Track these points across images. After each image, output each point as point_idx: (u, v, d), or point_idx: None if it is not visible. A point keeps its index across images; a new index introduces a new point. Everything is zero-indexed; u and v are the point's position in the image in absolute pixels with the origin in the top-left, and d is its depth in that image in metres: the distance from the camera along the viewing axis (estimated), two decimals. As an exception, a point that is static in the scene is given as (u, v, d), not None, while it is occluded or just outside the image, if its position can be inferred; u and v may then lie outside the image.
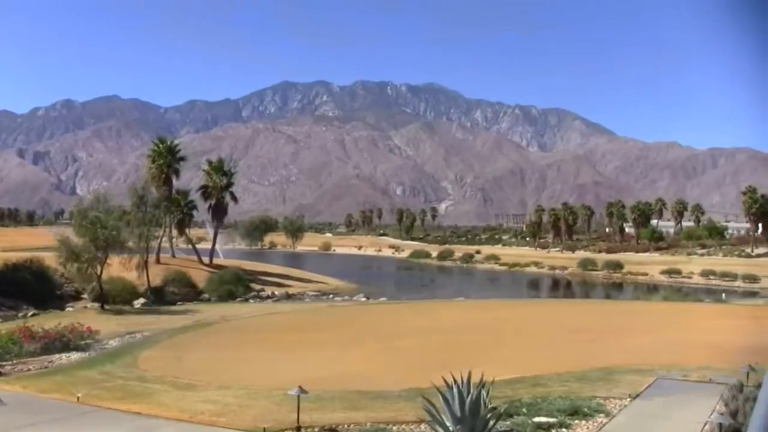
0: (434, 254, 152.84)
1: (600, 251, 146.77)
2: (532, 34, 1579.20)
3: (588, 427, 14.15)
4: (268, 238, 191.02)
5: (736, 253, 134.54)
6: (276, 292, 67.35)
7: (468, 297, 64.88)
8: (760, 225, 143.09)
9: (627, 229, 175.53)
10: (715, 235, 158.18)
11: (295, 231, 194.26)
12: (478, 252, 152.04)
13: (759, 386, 12.60)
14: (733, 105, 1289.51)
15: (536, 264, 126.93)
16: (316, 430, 14.40)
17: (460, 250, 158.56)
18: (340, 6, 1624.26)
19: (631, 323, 37.39)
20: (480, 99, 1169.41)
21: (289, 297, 65.74)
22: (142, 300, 52.39)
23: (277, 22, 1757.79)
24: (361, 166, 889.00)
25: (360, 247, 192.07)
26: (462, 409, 11.67)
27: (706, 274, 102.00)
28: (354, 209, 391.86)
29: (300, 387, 14.25)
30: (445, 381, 11.93)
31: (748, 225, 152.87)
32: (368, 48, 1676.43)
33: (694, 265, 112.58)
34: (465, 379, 11.92)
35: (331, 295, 68.31)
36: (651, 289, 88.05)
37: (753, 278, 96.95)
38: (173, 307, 51.02)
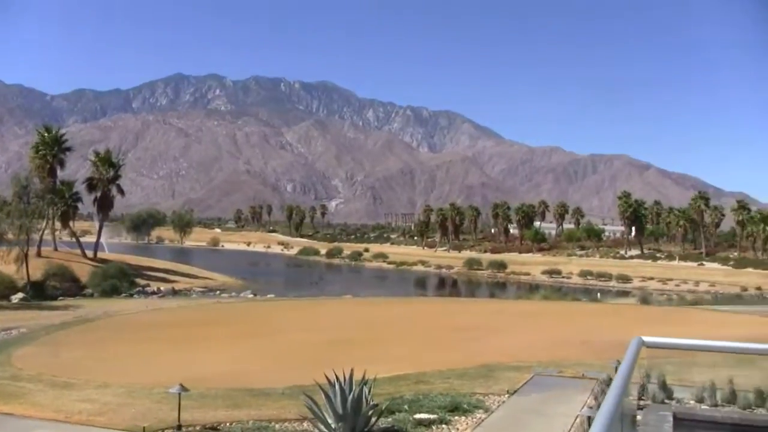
0: (323, 252, 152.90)
1: (485, 251, 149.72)
2: (425, 35, 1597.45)
3: (467, 423, 14.43)
4: (156, 233, 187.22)
5: (612, 254, 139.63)
6: (162, 288, 65.97)
7: (356, 295, 65.07)
8: (633, 228, 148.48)
9: (512, 230, 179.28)
10: (593, 237, 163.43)
11: (184, 226, 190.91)
12: (366, 250, 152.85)
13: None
14: (612, 113, 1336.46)
15: (423, 263, 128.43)
16: (197, 428, 14.11)
17: (349, 248, 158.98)
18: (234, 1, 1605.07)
19: (512, 321, 38.28)
20: (372, 99, 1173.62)
21: (175, 293, 64.47)
22: (20, 295, 50.27)
23: (170, 12, 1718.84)
24: (252, 161, 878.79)
25: (249, 244, 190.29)
26: (344, 407, 11.77)
27: (584, 274, 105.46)
28: (244, 205, 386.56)
29: (181, 385, 14.03)
30: (328, 378, 12.01)
31: (623, 228, 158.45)
32: (263, 44, 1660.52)
33: (573, 265, 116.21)
34: (347, 377, 12.03)
35: (218, 292, 67.49)
36: (533, 289, 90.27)
37: (626, 278, 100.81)
38: (54, 302, 49.26)
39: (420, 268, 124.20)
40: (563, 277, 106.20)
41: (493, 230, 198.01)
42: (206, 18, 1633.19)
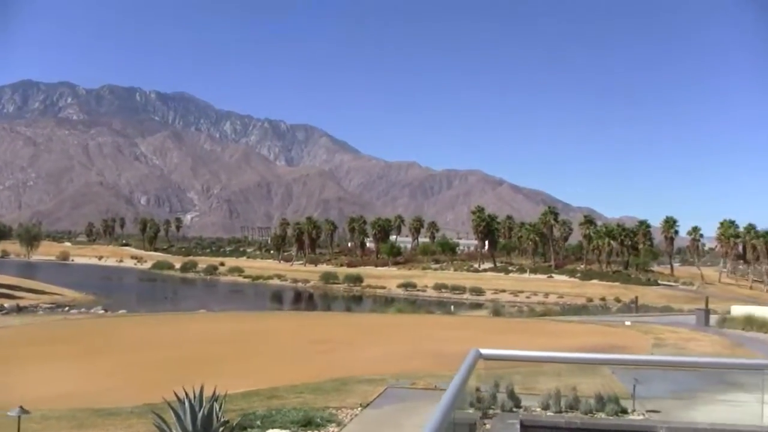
0: (177, 266, 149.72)
1: (342, 265, 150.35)
2: (282, 47, 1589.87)
3: (320, 437, 14.41)
4: (0, 246, 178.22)
5: (466, 267, 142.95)
6: (6, 305, 62.80)
7: (210, 309, 63.97)
8: (486, 242, 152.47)
9: (368, 244, 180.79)
10: (447, 251, 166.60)
11: (31, 239, 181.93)
12: (222, 264, 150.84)
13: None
14: (468, 130, 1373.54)
15: (280, 277, 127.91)
16: (38, 451, 13.51)
17: (204, 261, 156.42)
18: (88, 5, 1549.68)
19: (367, 334, 38.54)
20: (230, 111, 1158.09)
21: (20, 309, 61.47)
22: None
23: (18, 15, 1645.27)
24: (105, 173, 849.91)
25: (101, 258, 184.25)
26: (194, 424, 11.51)
27: (438, 287, 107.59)
28: (96, 218, 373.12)
29: (21, 407, 13.34)
30: (177, 396, 11.74)
31: (476, 242, 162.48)
32: (117, 52, 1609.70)
33: (428, 278, 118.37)
34: (197, 393, 11.79)
35: (66, 308, 64.83)
36: (388, 302, 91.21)
37: (479, 291, 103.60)
38: None
39: (276, 282, 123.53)
40: (418, 290, 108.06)
41: (349, 244, 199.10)
42: (58, 23, 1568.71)
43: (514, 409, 14.78)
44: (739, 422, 13.60)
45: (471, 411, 13.61)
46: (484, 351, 6.08)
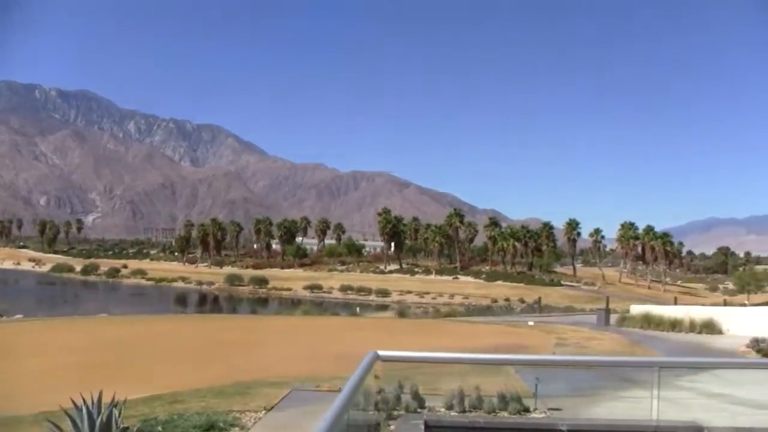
0: (78, 268, 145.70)
1: (247, 267, 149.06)
2: (187, 45, 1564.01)
3: (222, 441, 14.16)
4: None
5: (372, 269, 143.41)
6: None
7: (112, 313, 62.32)
8: (392, 244, 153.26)
9: (274, 246, 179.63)
10: (354, 253, 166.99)
11: None
12: (124, 266, 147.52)
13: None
14: (375, 132, 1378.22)
15: (184, 279, 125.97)
16: None
17: (106, 264, 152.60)
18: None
19: (271, 337, 38.19)
20: (134, 110, 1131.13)
21: None
22: None
23: None
24: (2, 172, 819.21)
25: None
26: (91, 431, 11.18)
27: (344, 289, 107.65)
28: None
29: None
30: (74, 403, 11.36)
31: (382, 243, 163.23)
32: (15, 47, 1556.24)
33: (334, 280, 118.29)
34: (95, 400, 11.44)
35: (-46, 313, 62.19)
36: (294, 304, 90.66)
37: (385, 293, 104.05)
38: None
39: (180, 284, 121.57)
40: (324, 292, 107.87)
41: (255, 246, 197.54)
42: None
43: (419, 410, 14.82)
44: (634, 417, 13.96)
45: (375, 413, 13.59)
46: (381, 353, 6.04)
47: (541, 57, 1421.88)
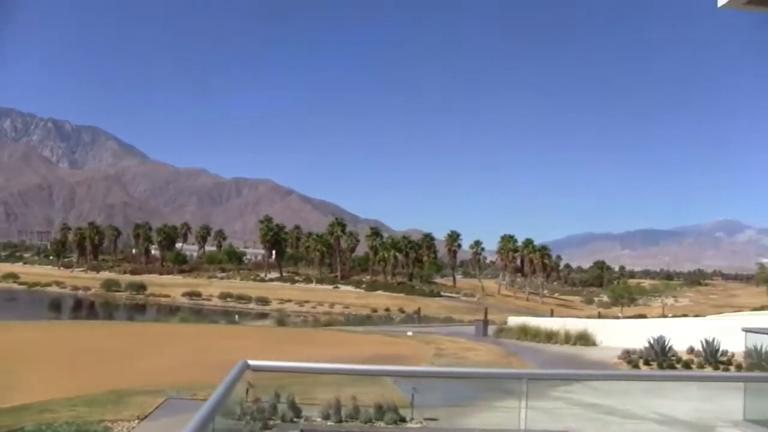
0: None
1: (125, 272, 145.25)
2: (66, 43, 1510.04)
3: (91, 452, 13.73)
4: None
5: (252, 277, 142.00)
6: None
7: (-24, 319, 59.51)
8: (273, 252, 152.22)
9: (153, 251, 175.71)
10: (234, 260, 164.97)
11: None
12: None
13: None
14: (258, 139, 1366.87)
15: (59, 284, 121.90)
16: None
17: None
18: None
19: (148, 344, 37.29)
20: (10, 107, 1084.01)
21: None
22: None
23: None
24: None
25: None
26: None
27: (224, 296, 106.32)
28: None
29: None
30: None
31: (263, 251, 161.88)
32: None
33: (214, 288, 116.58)
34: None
35: None
36: (173, 311, 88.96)
37: (265, 301, 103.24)
38: None
39: (55, 289, 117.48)
40: (204, 300, 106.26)
41: (134, 251, 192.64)
42: None
43: (295, 420, 14.74)
44: (506, 427, 14.27)
45: (251, 422, 13.44)
46: (251, 362, 5.94)
47: (424, 62, 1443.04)
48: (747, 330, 13.00)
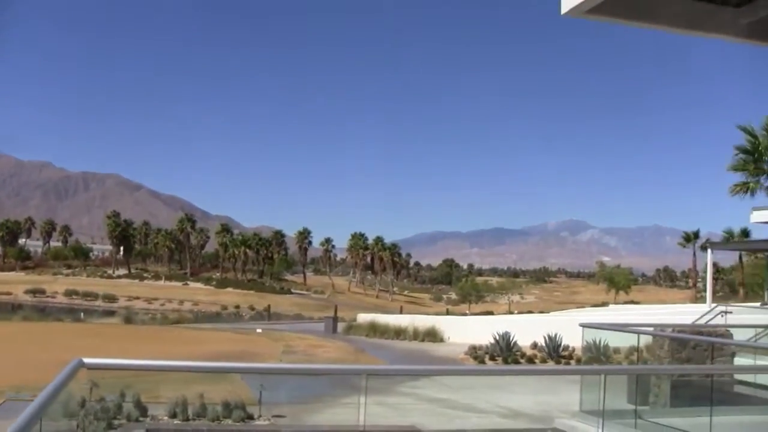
0: None
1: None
2: None
3: None
4: None
5: (99, 274, 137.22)
6: None
7: None
8: (122, 248, 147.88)
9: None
10: (80, 256, 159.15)
11: None
12: None
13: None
14: (105, 132, 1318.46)
15: None
16: None
17: None
18: None
19: (-14, 344, 35.48)
20: None
21: None
22: None
23: None
24: None
25: None
26: None
27: (69, 293, 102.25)
28: None
29: None
30: None
31: (111, 247, 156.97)
32: None
33: (59, 284, 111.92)
34: None
35: None
36: (15, 309, 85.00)
37: (112, 298, 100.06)
38: None
39: None
40: (48, 297, 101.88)
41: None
42: None
43: (141, 419, 14.47)
44: (350, 423, 14.48)
45: (94, 422, 13.09)
46: (87, 360, 5.79)
47: (278, 62, 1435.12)
48: (584, 325, 13.69)
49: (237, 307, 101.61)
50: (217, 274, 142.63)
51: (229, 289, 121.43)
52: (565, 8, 8.40)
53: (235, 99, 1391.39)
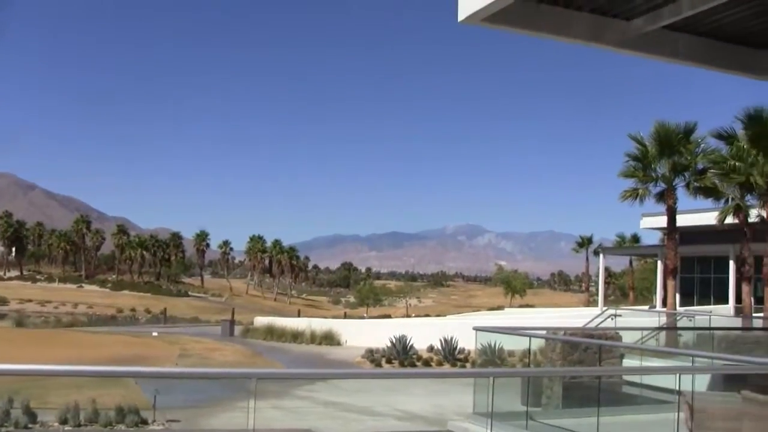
0: None
1: None
2: None
3: None
4: None
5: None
6: None
7: None
8: (14, 249, 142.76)
9: None
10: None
11: None
12: None
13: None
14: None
15: None
16: None
17: None
18: None
19: None
20: None
21: None
22: None
23: None
24: None
25: None
26: None
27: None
28: None
29: None
30: None
31: (2, 249, 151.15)
32: None
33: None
34: None
35: None
36: None
37: (3, 301, 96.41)
38: None
39: None
40: None
41: None
42: None
43: (30, 425, 13.96)
44: (240, 427, 14.28)
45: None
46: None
47: (174, 54, 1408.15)
48: (478, 329, 13.88)
49: (133, 310, 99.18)
50: (113, 277, 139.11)
51: (125, 292, 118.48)
52: (462, 15, 8.54)
53: (128, 94, 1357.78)
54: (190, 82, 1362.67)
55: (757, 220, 30.05)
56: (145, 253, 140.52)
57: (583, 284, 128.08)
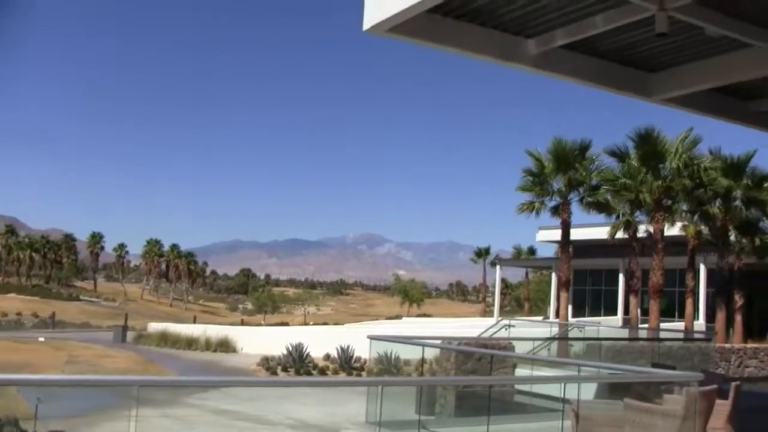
0: None
1: None
2: None
3: None
4: None
5: None
6: None
7: None
8: None
9: None
10: None
11: None
12: None
13: None
14: None
15: None
16: None
17: None
18: None
19: None
20: None
21: None
22: None
23: None
24: None
25: None
26: None
27: None
28: None
29: None
30: None
31: None
32: None
33: None
34: None
35: None
36: None
37: None
38: None
39: None
40: None
41: None
42: None
43: None
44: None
45: None
46: None
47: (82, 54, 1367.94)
48: (372, 337, 13.94)
49: (19, 314, 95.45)
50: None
51: (12, 295, 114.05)
52: (367, 25, 8.58)
53: (26, 93, 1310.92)
54: (94, 76, 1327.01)
55: (645, 235, 31.42)
56: (34, 254, 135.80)
57: (480, 295, 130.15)
